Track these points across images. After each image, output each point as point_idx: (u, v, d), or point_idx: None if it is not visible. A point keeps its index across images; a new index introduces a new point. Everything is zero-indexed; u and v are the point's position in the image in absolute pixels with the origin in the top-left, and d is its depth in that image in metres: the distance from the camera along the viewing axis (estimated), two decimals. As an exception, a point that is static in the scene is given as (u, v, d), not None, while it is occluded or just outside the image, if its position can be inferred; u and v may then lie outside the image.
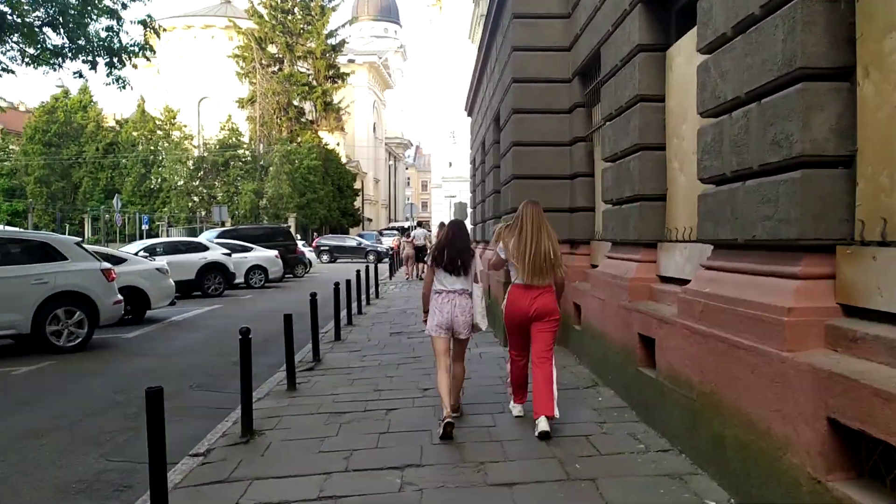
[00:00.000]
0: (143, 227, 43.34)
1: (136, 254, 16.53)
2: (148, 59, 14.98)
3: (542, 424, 4.97)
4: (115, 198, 34.03)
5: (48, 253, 9.89)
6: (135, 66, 14.11)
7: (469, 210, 28.98)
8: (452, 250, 5.44)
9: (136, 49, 13.47)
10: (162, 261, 16.98)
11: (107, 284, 10.14)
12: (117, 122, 53.13)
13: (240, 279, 20.69)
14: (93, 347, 10.40)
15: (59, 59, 13.10)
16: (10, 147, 51.36)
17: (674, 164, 5.83)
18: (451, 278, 5.41)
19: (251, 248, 21.34)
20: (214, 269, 18.18)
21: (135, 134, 49.29)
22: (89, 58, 13.20)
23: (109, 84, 13.76)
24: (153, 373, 8.70)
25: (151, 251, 17.70)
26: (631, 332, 5.69)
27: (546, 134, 9.09)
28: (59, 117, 48.66)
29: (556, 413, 5.11)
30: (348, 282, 12.27)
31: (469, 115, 19.92)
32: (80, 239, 11.66)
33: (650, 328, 5.27)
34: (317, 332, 8.97)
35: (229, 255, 18.74)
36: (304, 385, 7.54)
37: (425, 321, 5.55)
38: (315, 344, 8.93)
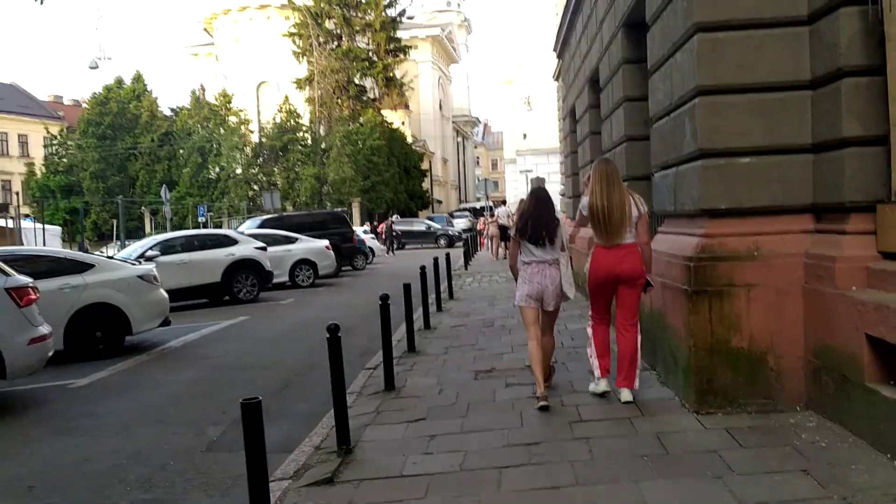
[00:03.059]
0: (200, 218, 40.59)
1: (142, 255, 12.97)
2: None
3: (626, 395, 5.17)
4: (163, 188, 31.00)
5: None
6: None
7: (559, 183, 24.52)
8: (537, 221, 5.32)
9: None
10: (182, 258, 13.47)
11: (14, 314, 6.33)
12: (172, 110, 50.67)
13: (283, 277, 17.00)
14: None
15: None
16: (68, 143, 49.63)
17: None
18: (539, 249, 5.32)
19: (296, 239, 17.57)
20: (245, 268, 14.46)
21: (190, 122, 46.67)
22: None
23: None
24: (51, 486, 4.79)
25: (166, 249, 14.10)
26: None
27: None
28: (112, 108, 46.49)
29: (637, 385, 5.24)
30: (405, 288, 8.14)
31: (559, 57, 15.48)
32: None
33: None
34: (343, 402, 4.85)
35: (264, 249, 14.96)
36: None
37: None
38: (341, 418, 4.83)
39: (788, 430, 4.38)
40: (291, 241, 17.45)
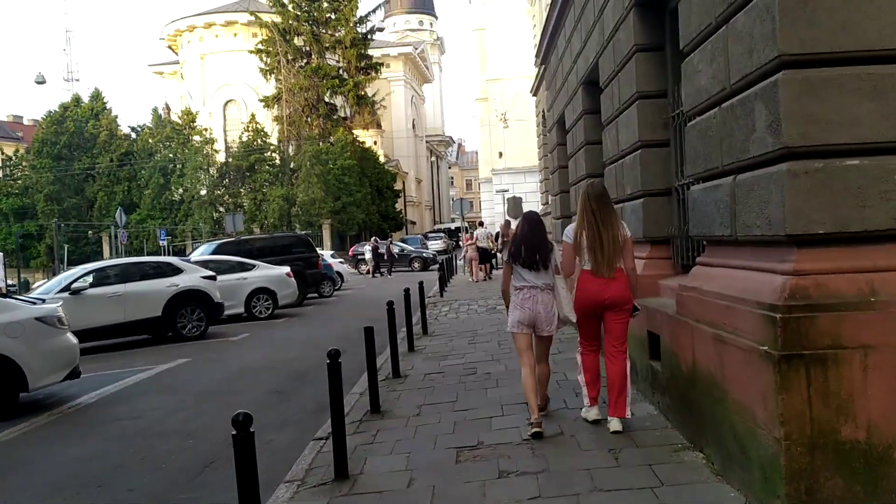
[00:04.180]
0: (161, 241, 38.56)
1: (67, 287, 11.21)
2: None
3: (616, 425, 4.93)
4: (118, 211, 29.02)
5: None
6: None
7: (538, 203, 23.15)
8: (530, 245, 5.24)
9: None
10: (116, 290, 11.69)
11: None
12: (133, 129, 48.57)
13: (238, 308, 15.23)
14: None
15: None
16: (23, 164, 47.23)
17: None
18: (531, 273, 5.21)
19: (253, 266, 15.82)
20: (191, 300, 12.68)
21: (151, 141, 44.64)
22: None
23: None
24: None
25: (99, 279, 12.30)
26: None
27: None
28: (68, 127, 44.28)
29: (629, 413, 5.02)
30: (367, 333, 6.48)
31: (543, 63, 14.06)
32: None
33: None
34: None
35: (213, 278, 13.20)
36: None
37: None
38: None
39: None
40: (247, 268, 15.70)
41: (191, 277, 12.77)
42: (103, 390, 8.49)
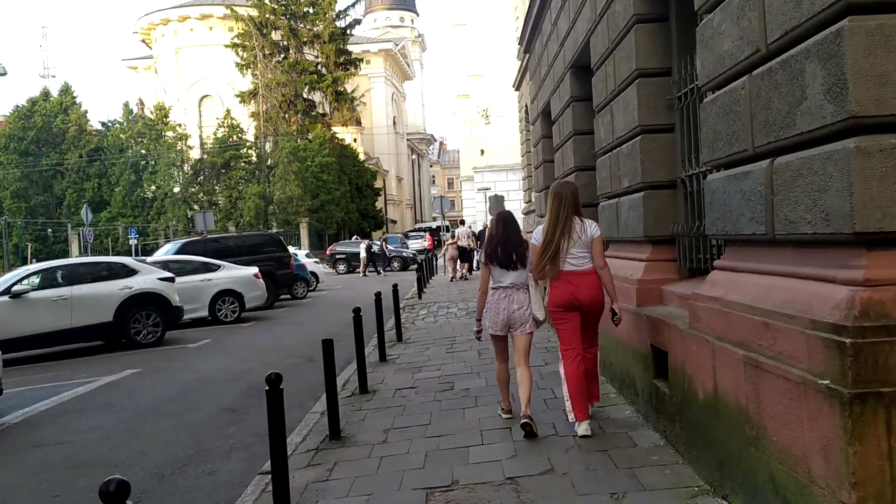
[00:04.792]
0: (132, 241, 37.28)
1: (7, 290, 10.25)
2: None
3: (583, 427, 4.82)
4: (84, 209, 27.81)
5: None
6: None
7: (521, 201, 22.37)
8: (506, 245, 5.19)
9: None
10: (62, 293, 10.73)
11: None
12: (104, 124, 47.14)
13: (202, 312, 14.29)
14: None
15: None
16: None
17: None
18: (506, 273, 5.17)
19: (218, 267, 14.84)
20: (146, 304, 11.71)
21: (122, 137, 43.27)
22: None
23: None
24: None
25: (45, 281, 11.30)
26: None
27: None
28: (36, 122, 42.79)
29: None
30: (325, 346, 5.60)
31: (527, 51, 13.24)
32: None
33: None
34: None
35: (171, 279, 12.23)
36: None
37: (478, 331, 5.51)
38: None
39: None
40: (212, 268, 14.72)
41: (146, 279, 11.79)
42: (32, 408, 7.53)
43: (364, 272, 30.04)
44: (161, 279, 11.96)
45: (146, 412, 7.20)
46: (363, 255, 30.36)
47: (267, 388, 3.79)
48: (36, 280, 11.31)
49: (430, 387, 6.99)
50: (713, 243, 4.71)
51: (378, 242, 33.57)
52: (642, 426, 4.97)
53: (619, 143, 6.03)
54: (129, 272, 11.80)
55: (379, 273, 30.36)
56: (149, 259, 15.13)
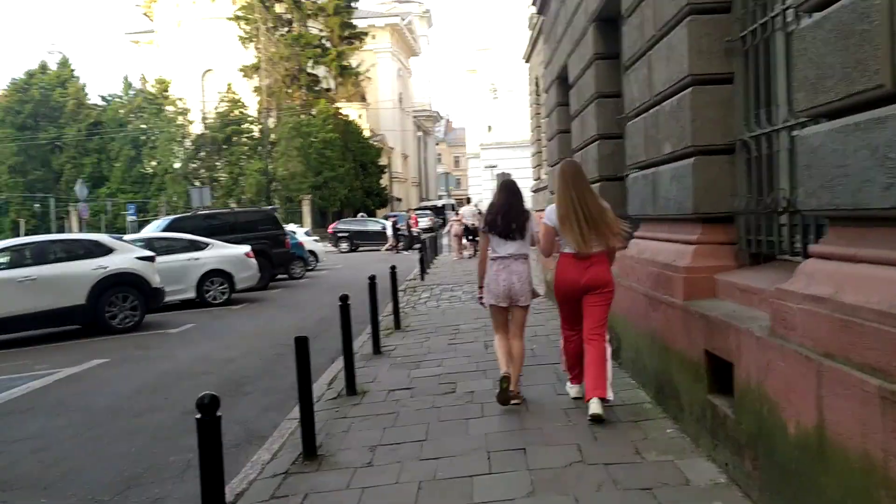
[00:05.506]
0: (130, 217, 36.38)
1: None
2: None
3: (594, 407, 4.50)
4: (78, 184, 26.85)
5: None
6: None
7: (530, 178, 21.26)
8: (507, 213, 5.14)
9: None
10: (28, 273, 9.78)
11: None
12: (103, 98, 46.06)
13: (189, 293, 13.32)
14: None
15: None
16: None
17: None
18: (507, 243, 5.13)
19: (207, 245, 13.84)
20: (123, 285, 10.73)
21: (121, 112, 42.19)
22: None
23: None
24: None
25: (11, 260, 10.33)
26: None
27: None
28: (34, 95, 41.72)
29: (610, 395, 4.71)
30: (298, 344, 4.58)
31: (540, 12, 12.06)
32: None
33: None
34: None
35: (151, 259, 11.24)
36: None
37: (480, 297, 5.40)
38: None
39: None
40: (200, 247, 13.72)
41: (123, 258, 10.80)
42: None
43: (396, 248, 29.73)
44: (139, 258, 10.97)
45: (100, 413, 6.23)
46: (389, 232, 30.30)
47: (199, 415, 2.78)
48: (2, 259, 10.34)
49: (429, 388, 5.98)
50: (782, 223, 3.68)
51: (404, 218, 32.96)
52: (692, 453, 3.95)
53: (660, 101, 4.94)
54: (105, 251, 10.81)
55: (397, 251, 29.73)
56: (129, 236, 14.13)
